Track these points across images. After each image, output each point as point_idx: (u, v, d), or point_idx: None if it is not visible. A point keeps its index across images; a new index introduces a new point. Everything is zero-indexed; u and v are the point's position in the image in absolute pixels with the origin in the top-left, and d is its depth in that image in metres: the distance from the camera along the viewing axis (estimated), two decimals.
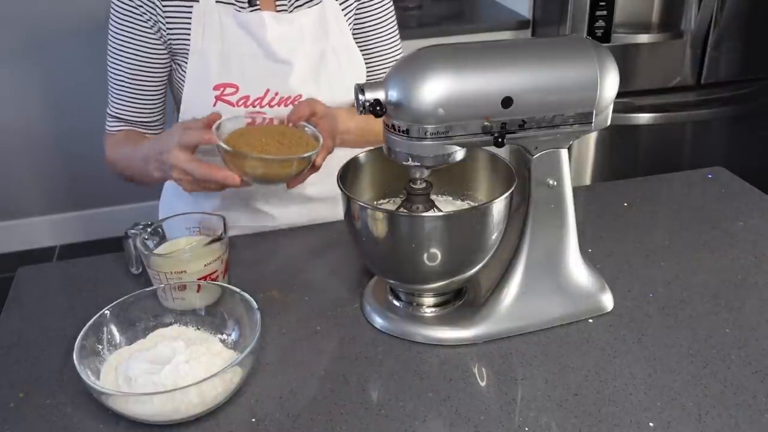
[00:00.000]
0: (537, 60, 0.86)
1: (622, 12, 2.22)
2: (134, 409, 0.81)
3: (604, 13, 2.17)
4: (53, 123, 2.76)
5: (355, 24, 1.27)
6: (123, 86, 1.21)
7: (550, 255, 0.96)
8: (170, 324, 0.96)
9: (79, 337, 0.86)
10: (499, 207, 0.89)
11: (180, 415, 0.82)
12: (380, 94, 0.84)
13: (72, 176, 2.88)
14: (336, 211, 1.31)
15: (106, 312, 0.91)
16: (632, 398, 0.84)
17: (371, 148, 1.01)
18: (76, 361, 0.83)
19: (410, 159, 0.87)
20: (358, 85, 0.85)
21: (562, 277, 0.97)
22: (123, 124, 1.23)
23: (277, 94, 1.19)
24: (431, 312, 0.98)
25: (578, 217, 0.97)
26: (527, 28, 2.42)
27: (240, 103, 1.18)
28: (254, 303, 0.90)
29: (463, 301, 1.00)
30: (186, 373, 0.84)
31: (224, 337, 0.93)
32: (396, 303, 1.00)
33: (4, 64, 2.68)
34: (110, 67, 1.20)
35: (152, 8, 1.15)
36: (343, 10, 1.23)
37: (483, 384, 0.88)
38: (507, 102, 0.84)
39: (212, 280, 1.00)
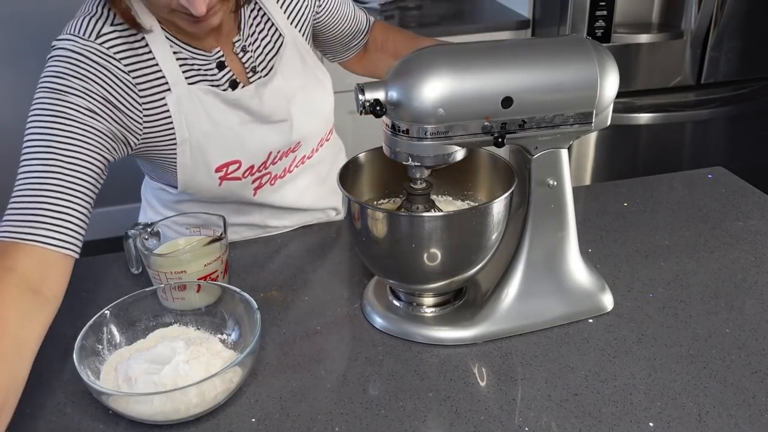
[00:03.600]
0: (537, 60, 0.86)
1: (622, 12, 2.22)
2: (134, 409, 0.81)
3: (604, 13, 2.17)
4: None
5: (315, 27, 1.23)
6: (47, 177, 0.88)
7: (550, 255, 0.96)
8: (170, 324, 0.96)
9: (79, 337, 0.86)
10: (499, 207, 0.89)
11: (180, 415, 0.82)
12: (380, 94, 0.84)
13: None
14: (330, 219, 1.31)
15: (106, 312, 0.91)
16: (632, 398, 0.84)
17: (371, 148, 1.01)
18: (76, 361, 0.83)
19: (410, 159, 0.87)
20: (358, 85, 0.85)
21: (562, 277, 0.97)
22: (28, 227, 0.85)
23: (279, 151, 1.15)
24: (431, 312, 0.98)
25: (578, 217, 0.97)
26: (527, 28, 2.42)
27: (246, 174, 1.12)
28: (254, 303, 0.90)
29: (463, 301, 1.00)
30: (186, 373, 0.84)
31: (224, 337, 0.93)
32: (396, 303, 1.00)
33: (4, 64, 2.68)
34: (32, 147, 0.90)
35: (129, 98, 0.98)
36: (296, 27, 1.17)
37: (483, 384, 0.88)
38: (507, 102, 0.84)
39: (212, 280, 1.00)
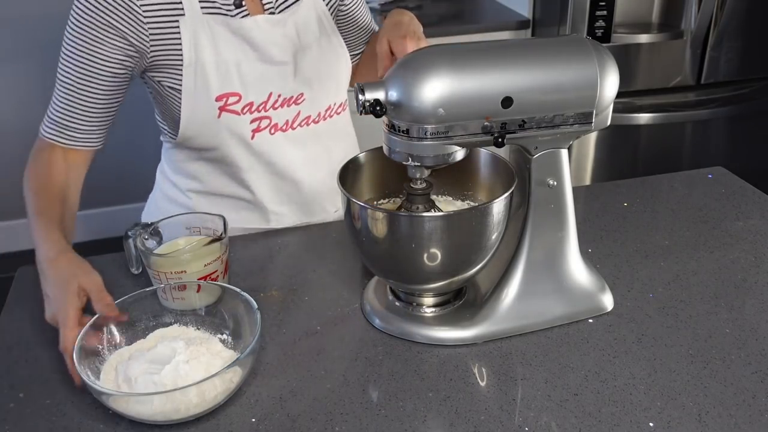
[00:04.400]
0: (537, 60, 0.86)
1: (622, 12, 2.22)
2: (134, 409, 0.81)
3: (604, 13, 2.17)
4: None
5: (338, 13, 1.28)
6: (69, 93, 1.11)
7: (550, 255, 0.96)
8: (170, 324, 0.96)
9: (79, 337, 0.86)
10: (499, 207, 0.89)
11: (180, 415, 0.82)
12: (380, 94, 0.84)
13: None
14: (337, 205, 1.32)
15: None
16: (632, 398, 0.84)
17: (371, 148, 1.01)
18: (75, 361, 0.83)
19: (410, 159, 0.87)
20: (358, 85, 0.85)
21: (562, 277, 0.97)
22: (58, 133, 1.13)
23: (280, 95, 1.18)
24: (431, 312, 0.98)
25: (578, 217, 0.97)
26: (527, 28, 2.42)
27: (245, 110, 1.16)
28: (254, 303, 0.90)
29: (463, 301, 1.00)
30: (186, 373, 0.84)
31: (224, 337, 0.93)
32: (396, 303, 1.00)
33: (4, 64, 2.68)
34: (61, 66, 1.12)
35: (132, 22, 1.07)
36: (326, 2, 1.24)
37: (483, 384, 0.88)
38: (507, 102, 0.84)
39: (212, 280, 1.00)
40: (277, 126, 1.20)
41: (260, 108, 1.17)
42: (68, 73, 1.11)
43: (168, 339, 0.91)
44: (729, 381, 0.87)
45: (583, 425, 0.81)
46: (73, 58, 1.10)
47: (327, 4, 1.24)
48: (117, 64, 1.10)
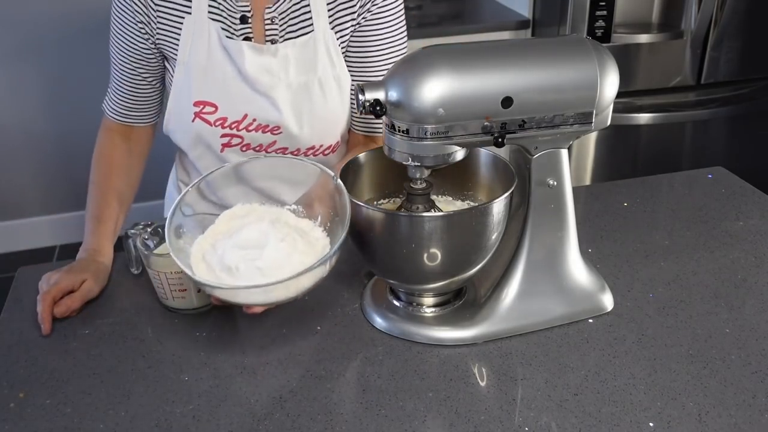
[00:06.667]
0: (537, 60, 0.86)
1: (622, 12, 2.22)
2: (252, 299, 0.85)
3: (604, 13, 2.17)
4: (53, 123, 2.76)
5: (352, 41, 1.19)
6: (116, 75, 1.22)
7: (550, 255, 0.96)
8: (232, 205, 0.98)
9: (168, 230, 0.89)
10: (499, 207, 0.89)
11: (289, 296, 0.86)
12: (380, 94, 0.84)
13: (72, 176, 2.88)
14: None
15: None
16: (632, 398, 0.84)
17: (371, 148, 1.01)
18: (176, 259, 0.86)
19: (410, 159, 0.87)
20: (358, 84, 0.85)
21: (562, 277, 0.97)
22: (117, 112, 1.24)
23: (255, 120, 1.16)
24: (431, 312, 0.98)
25: (578, 217, 0.97)
26: (527, 28, 2.42)
27: (217, 123, 1.15)
28: (329, 171, 0.95)
29: (463, 301, 1.00)
30: (287, 253, 0.87)
31: (291, 207, 0.99)
32: (396, 303, 1.00)
33: (4, 64, 2.68)
34: (110, 55, 1.22)
35: (145, 13, 1.13)
36: (336, 35, 1.16)
37: (483, 384, 0.88)
38: (507, 102, 0.84)
39: None
40: (249, 146, 1.18)
41: (233, 125, 1.16)
42: (111, 54, 1.20)
43: (242, 219, 0.95)
44: (729, 381, 0.87)
45: (583, 425, 0.81)
46: (114, 50, 1.20)
47: (338, 37, 1.16)
48: (147, 52, 1.17)
